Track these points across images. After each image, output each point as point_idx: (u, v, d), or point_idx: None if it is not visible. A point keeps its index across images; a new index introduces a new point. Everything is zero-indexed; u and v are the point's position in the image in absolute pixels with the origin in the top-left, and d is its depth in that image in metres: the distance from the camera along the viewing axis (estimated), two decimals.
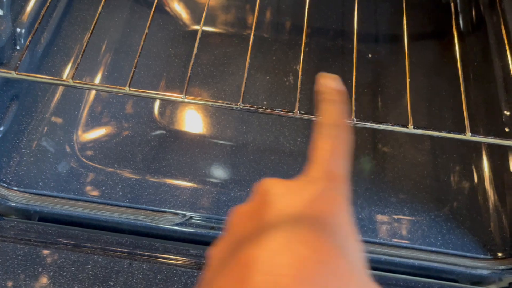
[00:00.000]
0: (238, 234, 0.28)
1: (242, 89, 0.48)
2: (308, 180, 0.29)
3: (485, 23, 0.86)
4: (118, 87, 0.50)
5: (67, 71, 0.80)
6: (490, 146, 0.76)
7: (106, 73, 0.81)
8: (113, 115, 0.78)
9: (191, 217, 0.69)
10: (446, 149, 0.77)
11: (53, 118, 0.75)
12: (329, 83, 0.34)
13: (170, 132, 0.78)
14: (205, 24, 0.92)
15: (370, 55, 0.90)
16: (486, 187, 0.73)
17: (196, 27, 0.91)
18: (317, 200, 0.28)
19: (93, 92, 0.79)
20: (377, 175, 0.75)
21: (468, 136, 0.48)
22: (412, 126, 0.49)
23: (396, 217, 0.70)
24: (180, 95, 0.50)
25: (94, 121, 0.77)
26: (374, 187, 0.74)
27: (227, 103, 0.48)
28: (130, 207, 0.68)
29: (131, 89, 0.48)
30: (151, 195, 0.69)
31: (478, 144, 0.76)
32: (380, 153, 0.78)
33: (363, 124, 0.51)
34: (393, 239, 0.68)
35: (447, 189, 0.73)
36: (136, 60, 0.51)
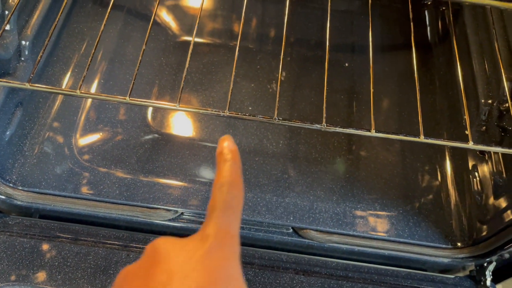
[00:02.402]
0: None
1: (229, 97, 0.55)
2: (199, 238, 0.30)
3: (450, 35, 0.94)
4: (119, 97, 0.56)
5: (66, 79, 0.86)
6: (452, 148, 0.84)
7: (102, 81, 0.88)
8: (109, 120, 0.84)
9: (182, 213, 0.76)
10: (414, 151, 0.85)
11: (54, 124, 0.81)
12: (225, 144, 0.35)
13: (162, 135, 0.84)
14: (196, 34, 0.99)
15: (346, 64, 0.98)
16: (448, 184, 0.81)
17: (186, 37, 0.98)
18: (207, 258, 0.28)
19: (90, 99, 0.85)
20: (351, 174, 0.83)
21: (422, 139, 0.56)
22: (374, 131, 0.56)
23: (368, 212, 0.77)
24: (174, 104, 0.56)
25: (91, 126, 0.83)
26: (348, 185, 0.81)
27: (215, 111, 0.55)
28: (126, 204, 0.74)
29: (131, 98, 0.55)
30: (146, 193, 0.76)
31: (442, 147, 0.84)
32: (355, 154, 0.86)
33: (332, 128, 0.58)
34: (365, 232, 0.75)
35: (414, 187, 0.81)
36: (135, 73, 0.58)
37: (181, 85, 0.56)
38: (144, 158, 0.81)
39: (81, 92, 0.52)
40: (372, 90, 0.61)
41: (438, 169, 0.83)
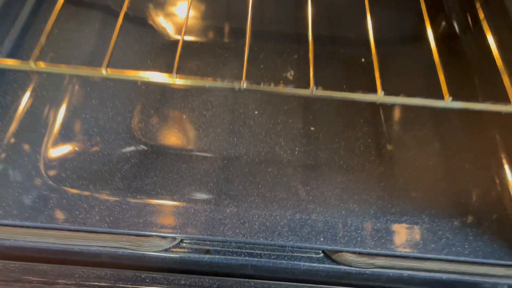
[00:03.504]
0: None
1: (244, 68, 0.41)
2: None
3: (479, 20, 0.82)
4: (94, 68, 0.41)
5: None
6: (506, 143, 0.69)
7: (76, 87, 0.73)
8: (86, 131, 0.68)
9: (181, 241, 0.59)
10: (458, 149, 0.71)
11: (15, 138, 0.65)
12: None
13: (152, 147, 0.69)
14: (185, 33, 0.85)
15: (363, 60, 0.85)
16: (510, 185, 0.66)
17: (176, 37, 0.84)
18: None
19: (63, 105, 0.70)
20: (386, 182, 0.68)
21: (448, 101, 0.41)
22: (382, 93, 0.42)
23: (416, 226, 0.62)
24: (170, 75, 0.41)
25: (64, 139, 0.67)
26: (386, 194, 0.66)
27: (227, 82, 0.40)
28: (109, 233, 0.58)
29: (109, 69, 0.40)
30: (134, 218, 0.59)
31: (493, 140, 0.70)
32: (386, 158, 0.71)
33: (320, 92, 0.44)
34: (416, 251, 0.59)
35: (466, 192, 0.66)
36: (112, 43, 0.43)
37: (178, 51, 0.41)
38: (131, 175, 0.64)
39: (35, 64, 0.37)
40: (374, 51, 0.47)
41: (493, 168, 0.68)
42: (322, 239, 0.59)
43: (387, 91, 0.50)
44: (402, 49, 0.86)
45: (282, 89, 0.40)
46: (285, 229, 0.60)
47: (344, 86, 0.80)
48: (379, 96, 0.45)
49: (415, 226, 0.62)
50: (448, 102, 0.43)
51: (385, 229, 0.61)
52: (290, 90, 0.40)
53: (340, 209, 0.63)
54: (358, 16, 0.92)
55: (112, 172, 0.64)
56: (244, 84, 0.38)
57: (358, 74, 0.82)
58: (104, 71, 0.39)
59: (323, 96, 0.45)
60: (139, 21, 0.85)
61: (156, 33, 0.84)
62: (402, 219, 0.62)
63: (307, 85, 0.82)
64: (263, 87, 0.39)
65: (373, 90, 0.81)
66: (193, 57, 0.82)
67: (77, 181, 0.62)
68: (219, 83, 0.39)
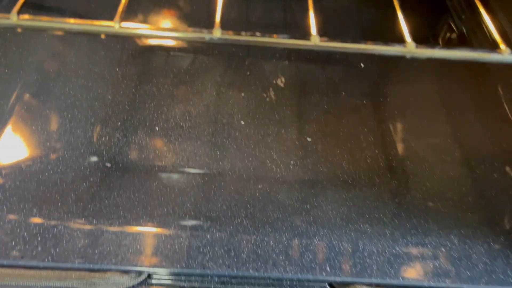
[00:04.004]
0: None
1: (217, 12, 0.29)
2: None
3: None
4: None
5: None
6: None
7: (28, 95, 0.61)
8: (37, 145, 0.56)
9: (149, 276, 0.46)
10: (483, 158, 0.60)
11: None
12: None
13: (117, 164, 0.57)
14: (161, 40, 0.75)
15: (362, 65, 0.75)
16: None
17: (151, 42, 0.74)
18: None
19: (8, 115, 0.58)
20: (402, 197, 0.56)
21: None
22: (318, 37, 0.30)
23: (443, 248, 0.50)
24: (111, 23, 0.30)
25: (6, 154, 0.55)
26: (402, 212, 0.54)
27: (194, 31, 0.29)
28: (54, 268, 0.45)
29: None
30: (87, 248, 0.46)
31: None
32: (399, 171, 0.59)
33: (326, 43, 0.32)
34: (447, 280, 0.47)
35: (499, 206, 0.55)
36: None
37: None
38: (88, 196, 0.52)
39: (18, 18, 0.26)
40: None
41: None
42: (328, 269, 0.46)
43: None
44: None
45: (275, 38, 0.29)
46: (281, 257, 0.47)
47: (343, 93, 0.70)
48: (410, 46, 0.34)
49: (443, 249, 0.49)
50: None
51: (406, 254, 0.49)
52: (286, 40, 0.29)
53: (348, 231, 0.50)
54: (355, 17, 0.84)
55: (64, 193, 0.52)
56: (217, 33, 0.27)
57: (356, 79, 0.72)
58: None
59: (329, 48, 0.33)
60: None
61: (126, 39, 0.74)
62: (426, 241, 0.50)
63: (301, 94, 0.72)
64: (245, 36, 0.27)
65: (374, 98, 0.71)
66: (169, 64, 0.71)
67: (17, 204, 0.49)
68: (182, 33, 0.28)
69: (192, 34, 0.28)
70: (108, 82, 0.67)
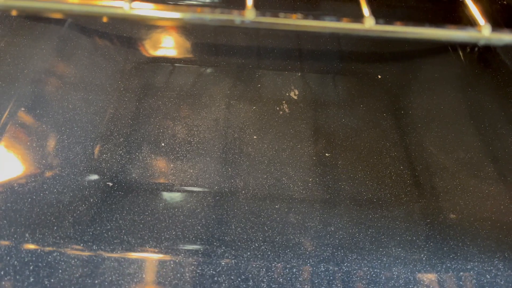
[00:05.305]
0: None
1: None
2: None
3: None
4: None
5: None
6: None
7: (23, 109, 0.56)
8: (31, 162, 0.51)
9: None
10: None
11: None
12: None
13: (119, 183, 0.51)
14: (166, 52, 0.71)
15: (379, 76, 0.71)
16: None
17: (153, 54, 0.70)
18: None
19: (2, 131, 0.53)
20: (434, 217, 0.51)
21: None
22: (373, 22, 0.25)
23: (488, 275, 0.44)
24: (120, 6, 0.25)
25: None
26: (437, 233, 0.48)
27: (223, 13, 0.24)
28: None
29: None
30: (86, 278, 0.40)
31: None
32: (427, 188, 0.54)
33: (381, 27, 0.27)
34: None
35: None
36: None
37: None
38: (87, 219, 0.46)
39: None
40: None
41: None
42: None
43: None
44: None
45: (321, 21, 0.24)
46: (306, 287, 0.41)
47: (361, 105, 0.65)
48: (485, 29, 0.28)
49: (488, 276, 0.44)
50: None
51: (447, 281, 0.43)
52: (334, 23, 0.24)
53: (380, 255, 0.45)
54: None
55: (61, 215, 0.46)
56: (250, 15, 0.23)
57: (375, 91, 0.68)
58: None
59: (385, 34, 0.28)
60: (109, 39, 0.71)
61: (129, 52, 0.69)
62: (468, 267, 0.45)
63: (316, 107, 0.67)
64: (284, 19, 0.23)
65: (395, 110, 0.67)
66: (175, 77, 0.67)
67: (8, 228, 0.44)
68: (207, 15, 0.23)
69: (220, 16, 0.23)
70: (109, 95, 0.62)
